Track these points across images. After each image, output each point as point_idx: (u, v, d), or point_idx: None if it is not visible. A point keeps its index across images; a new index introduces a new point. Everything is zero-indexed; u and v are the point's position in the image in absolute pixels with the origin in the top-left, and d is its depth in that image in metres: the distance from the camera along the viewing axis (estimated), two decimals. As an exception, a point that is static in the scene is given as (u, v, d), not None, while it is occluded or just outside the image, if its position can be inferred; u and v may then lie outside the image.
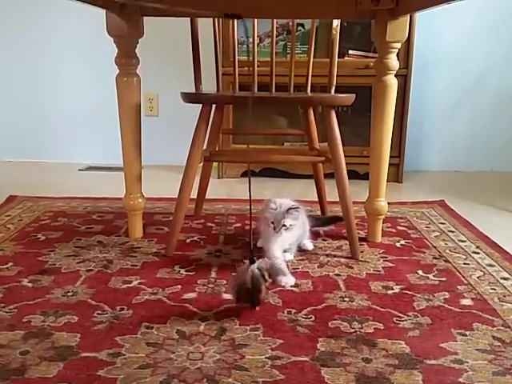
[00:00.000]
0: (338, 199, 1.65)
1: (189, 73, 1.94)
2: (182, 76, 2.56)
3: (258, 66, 1.93)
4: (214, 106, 1.76)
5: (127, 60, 1.67)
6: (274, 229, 1.49)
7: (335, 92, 1.84)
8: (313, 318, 1.23)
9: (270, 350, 1.09)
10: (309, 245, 1.70)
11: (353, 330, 1.18)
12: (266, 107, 2.82)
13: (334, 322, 1.22)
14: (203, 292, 1.37)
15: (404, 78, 2.63)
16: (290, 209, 1.49)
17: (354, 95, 1.63)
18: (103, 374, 1.00)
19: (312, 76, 1.95)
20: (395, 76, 1.67)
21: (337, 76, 1.85)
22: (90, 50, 3.00)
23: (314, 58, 1.95)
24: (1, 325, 1.18)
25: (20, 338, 1.12)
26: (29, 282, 1.41)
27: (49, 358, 1.04)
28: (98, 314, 1.24)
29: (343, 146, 1.63)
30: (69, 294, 1.35)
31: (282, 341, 1.13)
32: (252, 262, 1.22)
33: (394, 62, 1.65)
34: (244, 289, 1.20)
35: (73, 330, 1.16)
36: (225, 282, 1.44)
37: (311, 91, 1.97)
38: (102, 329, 1.17)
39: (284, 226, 1.48)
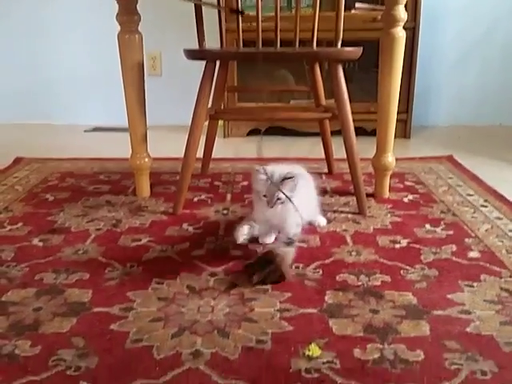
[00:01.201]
0: (345, 156, 1.64)
1: (192, 30, 1.90)
2: (184, 33, 2.50)
3: (262, 21, 1.89)
4: (218, 62, 1.73)
5: (128, 17, 1.63)
6: (268, 203, 1.28)
7: (342, 47, 1.80)
8: (320, 272, 1.24)
9: (278, 303, 1.10)
10: (321, 220, 1.54)
11: (360, 283, 1.19)
12: (271, 64, 2.77)
13: (342, 275, 1.23)
14: (211, 249, 1.39)
15: (412, 31, 2.56)
16: (285, 179, 1.27)
17: (361, 48, 1.59)
18: (116, 327, 1.02)
19: (318, 31, 1.90)
20: (403, 29, 1.63)
21: (343, 30, 1.80)
22: (92, 9, 2.94)
23: (319, 11, 1.89)
24: (13, 283, 1.20)
25: (32, 295, 1.14)
26: (39, 242, 1.43)
27: (62, 314, 1.07)
28: (109, 270, 1.26)
29: (350, 102, 1.61)
30: (79, 252, 1.37)
31: (290, 294, 1.14)
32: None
33: (401, 13, 1.60)
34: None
35: (84, 286, 1.18)
36: (232, 239, 1.44)
37: (317, 46, 1.93)
38: (114, 285, 1.19)
39: (279, 199, 1.28)
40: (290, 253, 1.26)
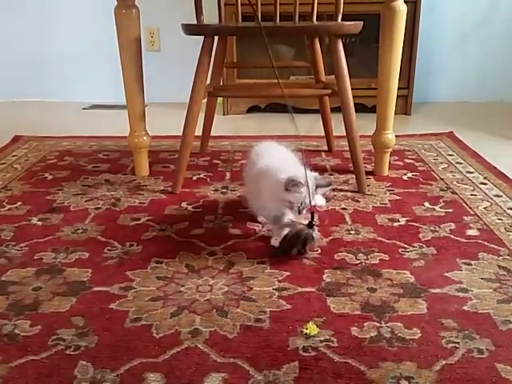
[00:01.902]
0: (344, 133, 1.63)
1: (190, 4, 1.86)
2: (183, 8, 2.46)
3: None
4: (216, 38, 1.71)
5: (125, -9, 1.60)
6: (299, 212, 1.21)
7: (342, 21, 1.77)
8: (319, 251, 1.24)
9: (276, 282, 1.11)
10: (320, 200, 1.47)
11: (358, 262, 1.19)
12: (270, 39, 2.72)
13: (340, 254, 1.23)
14: (210, 228, 1.39)
15: (414, 5, 2.52)
16: (318, 187, 1.23)
17: (362, 23, 1.57)
18: (115, 306, 1.03)
19: (318, 4, 1.87)
20: (404, 2, 1.60)
21: (344, 3, 1.77)
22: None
23: (319, -16, 1.86)
24: (13, 262, 1.20)
25: (32, 274, 1.15)
26: (38, 221, 1.43)
27: (61, 293, 1.07)
28: (108, 250, 1.26)
29: (350, 78, 1.59)
30: (79, 231, 1.37)
31: (288, 273, 1.14)
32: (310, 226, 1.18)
33: (403, -14, 1.57)
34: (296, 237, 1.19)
35: (84, 265, 1.19)
36: (232, 217, 1.45)
37: (317, 20, 1.90)
38: (113, 264, 1.19)
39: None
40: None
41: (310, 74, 2.42)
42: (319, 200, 1.51)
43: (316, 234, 1.19)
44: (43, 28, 3.04)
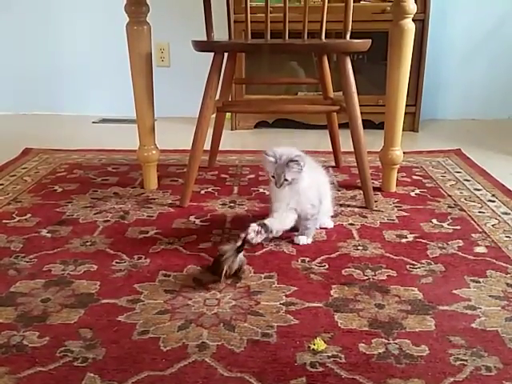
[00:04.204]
0: (352, 149, 1.63)
1: (200, 21, 1.89)
2: (193, 24, 2.49)
3: (270, 12, 1.88)
4: (226, 54, 1.73)
5: (137, 7, 1.63)
6: (276, 184, 1.32)
7: (350, 38, 1.79)
8: (326, 266, 1.25)
9: (284, 297, 1.11)
10: (329, 223, 1.49)
11: (366, 278, 1.19)
12: (279, 55, 2.76)
13: (348, 269, 1.23)
14: (218, 242, 1.39)
15: (421, 23, 2.54)
16: (290, 161, 1.28)
17: (370, 40, 1.58)
18: (123, 319, 1.03)
19: (326, 22, 1.89)
20: (412, 21, 1.62)
21: (352, 21, 1.79)
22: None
23: (328, 2, 1.88)
24: (22, 274, 1.21)
25: (41, 286, 1.16)
26: (48, 233, 1.44)
27: (69, 305, 1.08)
28: (117, 262, 1.27)
29: (358, 94, 1.60)
30: (87, 243, 1.38)
31: (296, 288, 1.15)
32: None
33: (411, 5, 1.59)
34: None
35: (92, 278, 1.19)
36: (239, 231, 1.44)
37: (326, 38, 1.92)
38: (121, 276, 1.20)
39: (286, 180, 1.30)
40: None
41: (318, 90, 2.44)
42: (328, 223, 1.49)
43: (240, 258, 1.18)
44: (54, 42, 3.08)
